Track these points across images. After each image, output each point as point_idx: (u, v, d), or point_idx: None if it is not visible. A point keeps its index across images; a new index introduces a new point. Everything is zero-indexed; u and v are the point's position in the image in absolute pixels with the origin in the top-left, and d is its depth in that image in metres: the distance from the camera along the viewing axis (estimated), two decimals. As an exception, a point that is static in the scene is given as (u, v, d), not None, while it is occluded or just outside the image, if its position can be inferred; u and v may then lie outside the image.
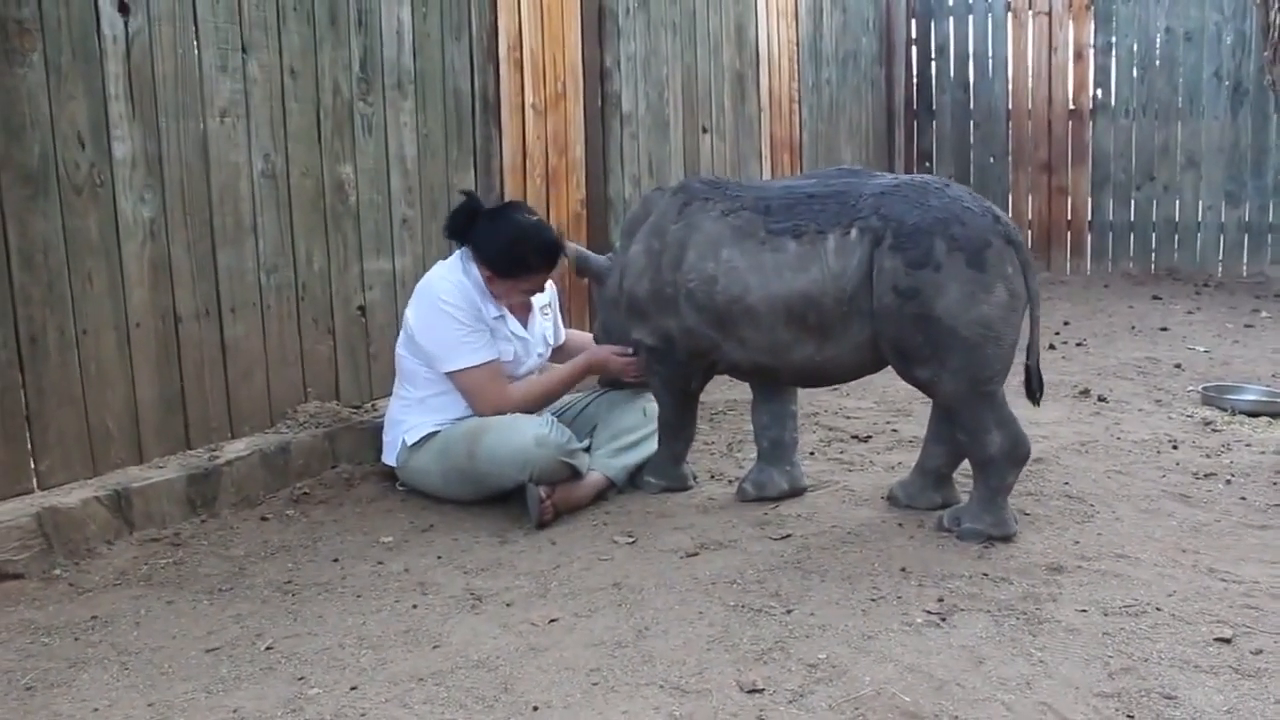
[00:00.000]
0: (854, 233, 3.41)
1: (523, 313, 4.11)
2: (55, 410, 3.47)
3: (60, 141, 3.43)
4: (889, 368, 3.60)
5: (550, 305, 4.30)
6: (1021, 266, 3.39)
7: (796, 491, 3.88)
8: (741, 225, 3.57)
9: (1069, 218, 9.62)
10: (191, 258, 3.85)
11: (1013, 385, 3.52)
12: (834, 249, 3.42)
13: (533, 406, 3.97)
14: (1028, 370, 3.53)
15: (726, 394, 5.27)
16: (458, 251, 4.01)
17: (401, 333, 4.01)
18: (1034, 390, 3.55)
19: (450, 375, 3.88)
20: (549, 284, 4.23)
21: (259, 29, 4.03)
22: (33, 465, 3.42)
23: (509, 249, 3.89)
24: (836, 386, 5.30)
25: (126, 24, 3.61)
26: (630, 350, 3.97)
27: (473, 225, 3.93)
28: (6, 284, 3.32)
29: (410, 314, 3.94)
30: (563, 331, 4.41)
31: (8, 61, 3.29)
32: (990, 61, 9.75)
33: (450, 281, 3.91)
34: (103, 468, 3.60)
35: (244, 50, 3.98)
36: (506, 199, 5.02)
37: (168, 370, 3.79)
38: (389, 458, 4.04)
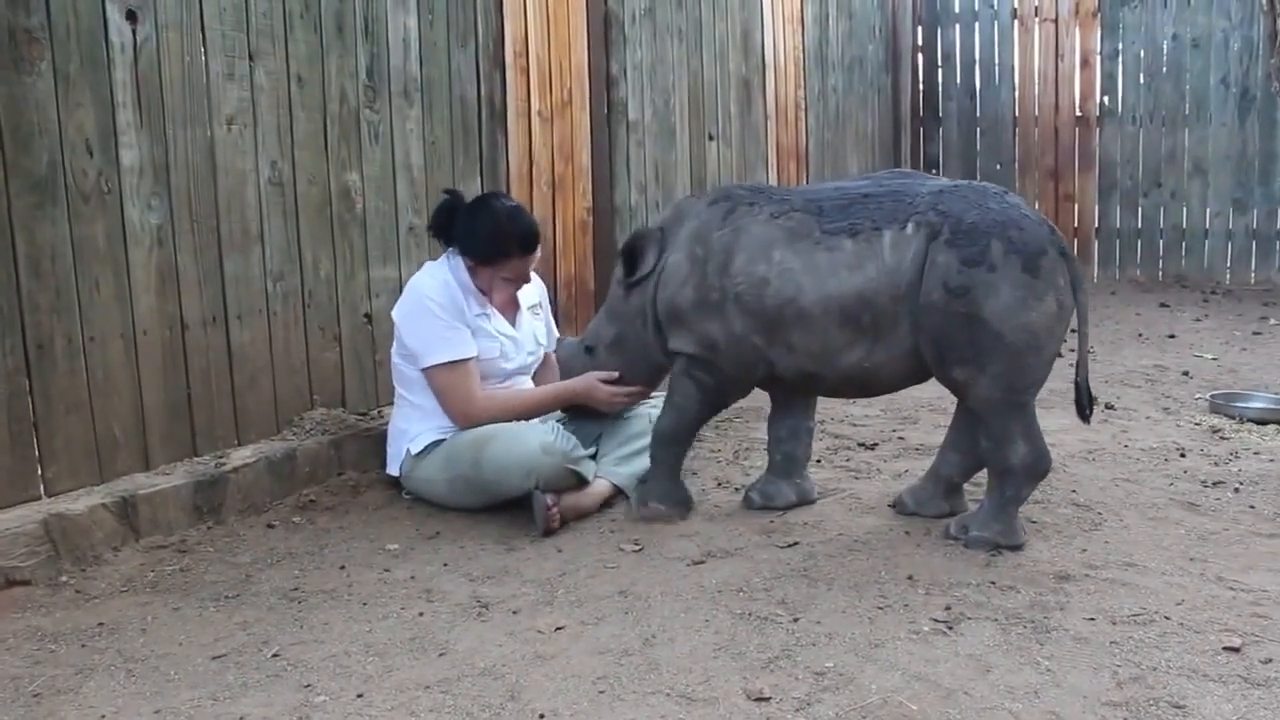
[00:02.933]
0: (910, 227, 3.37)
1: (511, 311, 4.10)
2: (62, 417, 3.47)
3: (68, 149, 3.44)
4: (927, 380, 3.58)
5: (540, 305, 4.28)
6: (1072, 280, 3.36)
7: (804, 503, 3.87)
8: (794, 227, 3.51)
9: (1076, 225, 9.61)
10: (198, 265, 3.85)
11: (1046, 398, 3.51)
12: (890, 244, 3.37)
13: (501, 417, 3.89)
14: (1077, 388, 3.51)
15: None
16: (445, 253, 4.03)
17: (395, 339, 4.02)
18: (1084, 407, 3.52)
19: (426, 372, 3.87)
20: (538, 284, 4.22)
21: (265, 37, 4.04)
22: (40, 472, 3.42)
23: (486, 235, 3.92)
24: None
25: (134, 32, 3.62)
26: (617, 375, 3.89)
27: (454, 221, 3.97)
28: (14, 291, 3.33)
29: (396, 312, 3.97)
30: (555, 333, 4.39)
31: (16, 70, 3.31)
32: (996, 68, 9.75)
33: (435, 279, 3.94)
34: (109, 474, 3.60)
35: (251, 58, 3.99)
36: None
37: (174, 377, 3.80)
38: (393, 469, 4.04)
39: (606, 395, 3.93)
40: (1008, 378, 3.32)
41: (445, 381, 3.86)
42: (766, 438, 3.95)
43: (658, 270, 3.73)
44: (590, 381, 3.93)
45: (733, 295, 3.55)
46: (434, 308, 3.86)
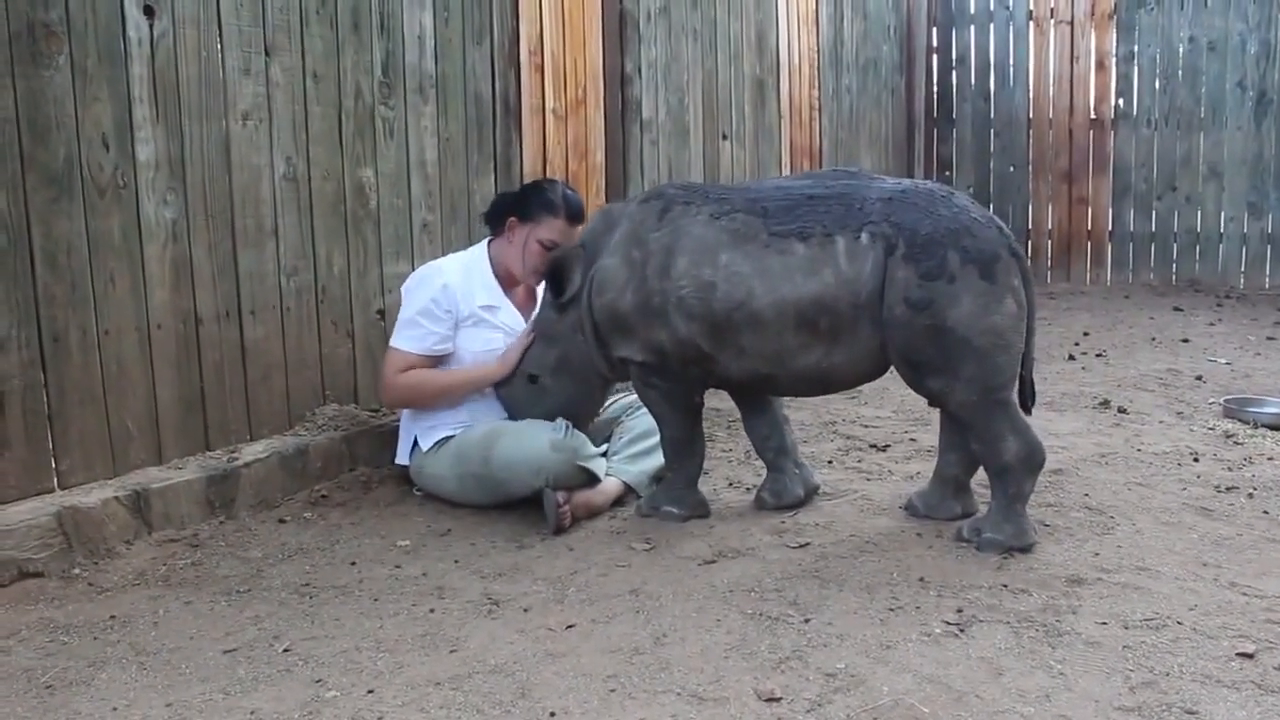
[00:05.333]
0: (864, 237, 3.36)
1: (526, 306, 4.12)
2: (76, 410, 3.48)
3: (85, 143, 3.45)
4: (885, 374, 3.60)
5: None
6: (1023, 278, 3.41)
7: (811, 492, 3.87)
8: (739, 229, 3.46)
9: (1089, 227, 9.57)
10: (212, 260, 3.86)
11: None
12: (845, 251, 3.36)
13: (412, 400, 3.95)
14: (1021, 380, 3.53)
15: (744, 401, 5.25)
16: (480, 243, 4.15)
17: None
18: (1026, 399, 3.56)
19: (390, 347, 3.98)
20: None
21: (282, 32, 4.05)
22: (54, 464, 3.44)
23: (533, 187, 4.12)
24: (853, 395, 5.30)
25: (151, 27, 3.63)
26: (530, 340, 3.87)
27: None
28: (30, 284, 3.34)
29: (405, 284, 4.07)
30: None
31: (35, 64, 3.32)
32: (1011, 70, 9.71)
33: (454, 261, 4.06)
34: (122, 468, 3.61)
35: (267, 53, 4.00)
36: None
37: (188, 371, 3.81)
38: (402, 458, 4.05)
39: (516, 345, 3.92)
40: (982, 380, 3.33)
41: (389, 359, 3.96)
42: (751, 443, 3.94)
43: (589, 278, 3.68)
44: (502, 356, 3.93)
45: (675, 299, 3.50)
46: (430, 291, 3.92)
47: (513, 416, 3.95)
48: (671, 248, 3.52)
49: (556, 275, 3.77)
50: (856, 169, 3.85)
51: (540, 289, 4.09)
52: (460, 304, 3.94)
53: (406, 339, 3.93)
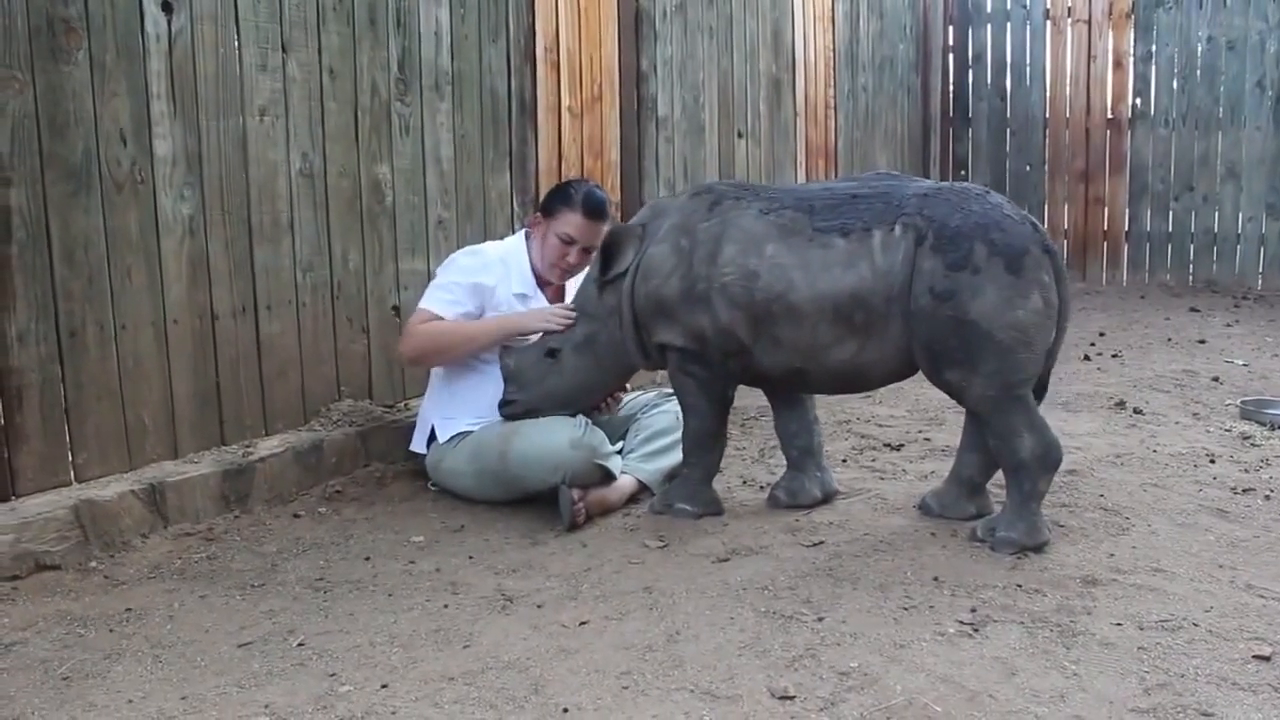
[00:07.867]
0: (898, 229, 3.41)
1: (556, 299, 4.14)
2: (93, 404, 3.50)
3: (103, 138, 3.47)
4: (913, 375, 3.59)
5: None
6: (1056, 275, 3.40)
7: (829, 496, 3.87)
8: (786, 223, 3.53)
9: (1105, 228, 9.53)
10: (229, 255, 3.88)
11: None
12: (880, 244, 3.41)
13: (438, 348, 3.92)
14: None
15: (759, 399, 5.23)
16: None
17: None
18: (1036, 394, 3.53)
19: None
20: None
21: (299, 29, 4.06)
22: (70, 458, 3.46)
23: (557, 186, 4.19)
24: (868, 394, 5.29)
25: (169, 23, 3.64)
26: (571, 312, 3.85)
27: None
28: (48, 279, 3.36)
29: (449, 259, 4.15)
30: None
31: (54, 59, 3.34)
32: (1028, 69, 9.67)
33: (498, 242, 4.17)
34: (139, 462, 3.63)
35: (284, 50, 4.01)
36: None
37: (204, 366, 3.82)
38: (418, 443, 4.07)
39: (543, 317, 3.89)
40: (1002, 375, 3.34)
41: (415, 314, 3.98)
42: (778, 439, 3.94)
43: (634, 265, 3.71)
44: (534, 311, 3.94)
45: (719, 285, 3.54)
46: (466, 264, 4.00)
47: (508, 389, 3.86)
48: (720, 237, 3.58)
49: (608, 250, 3.76)
50: (899, 173, 3.89)
51: (571, 288, 4.10)
52: (499, 291, 3.99)
53: (437, 301, 3.95)
